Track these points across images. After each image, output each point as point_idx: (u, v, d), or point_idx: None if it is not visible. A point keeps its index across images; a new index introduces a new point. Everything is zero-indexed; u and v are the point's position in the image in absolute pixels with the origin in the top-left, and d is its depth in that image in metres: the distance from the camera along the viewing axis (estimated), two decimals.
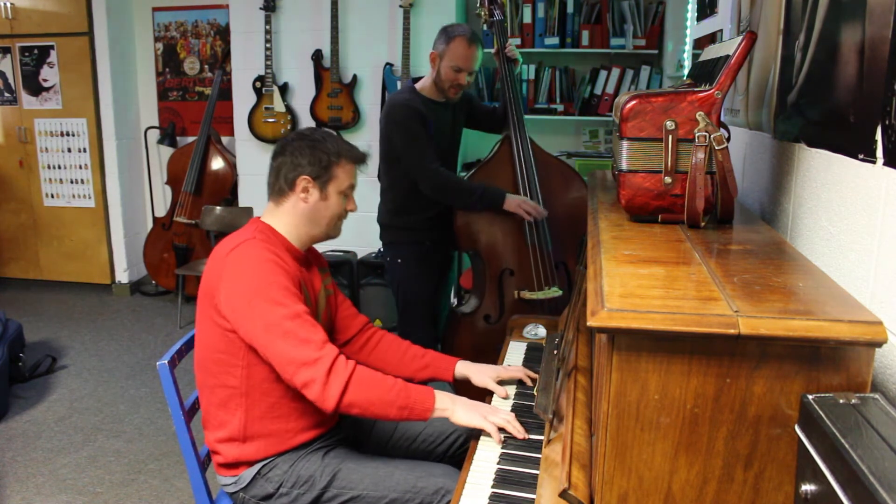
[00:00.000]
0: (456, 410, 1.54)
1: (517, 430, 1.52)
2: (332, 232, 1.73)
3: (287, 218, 1.68)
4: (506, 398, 1.72)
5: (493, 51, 2.75)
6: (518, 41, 4.10)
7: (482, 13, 2.78)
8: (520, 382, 1.81)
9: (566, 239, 2.70)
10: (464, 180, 2.63)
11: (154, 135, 4.94)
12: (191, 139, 4.72)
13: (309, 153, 1.65)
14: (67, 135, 4.79)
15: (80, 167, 4.82)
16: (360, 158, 1.72)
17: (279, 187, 1.67)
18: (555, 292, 2.63)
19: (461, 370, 1.80)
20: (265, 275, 1.51)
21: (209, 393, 1.64)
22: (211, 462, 1.81)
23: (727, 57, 1.27)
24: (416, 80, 2.67)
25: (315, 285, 1.73)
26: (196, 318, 1.65)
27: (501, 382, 1.78)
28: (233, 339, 1.55)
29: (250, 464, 1.62)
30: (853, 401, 0.79)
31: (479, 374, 1.76)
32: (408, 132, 2.46)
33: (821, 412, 0.76)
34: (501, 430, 1.53)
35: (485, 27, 2.82)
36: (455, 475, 1.59)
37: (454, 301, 3.74)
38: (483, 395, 1.74)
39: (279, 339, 1.47)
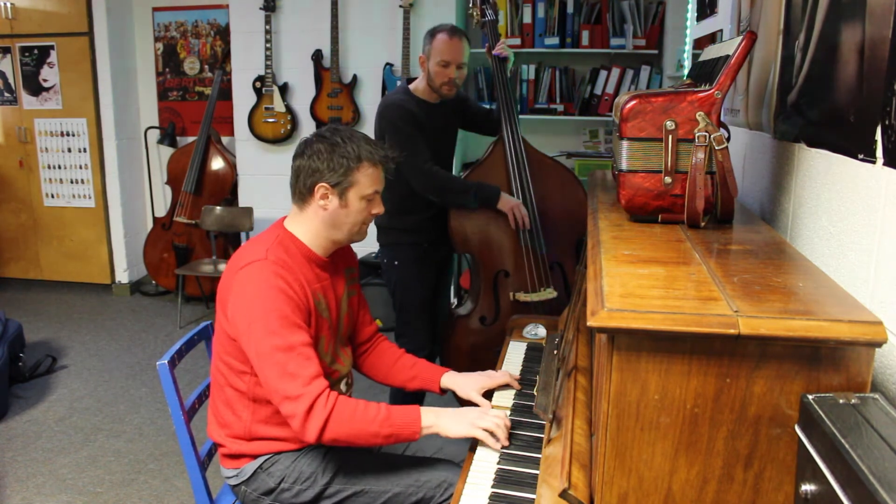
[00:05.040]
0: (442, 425, 1.51)
1: (503, 437, 1.48)
2: (356, 237, 1.66)
3: (308, 224, 1.62)
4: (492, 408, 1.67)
5: (484, 49, 2.77)
6: (518, 41, 4.10)
7: (474, 13, 2.80)
8: (520, 383, 1.80)
9: (561, 239, 2.69)
10: (458, 178, 2.63)
11: (154, 135, 4.94)
12: (191, 139, 4.72)
13: (327, 157, 1.56)
14: (67, 135, 4.79)
15: (80, 167, 4.82)
16: (383, 160, 1.61)
17: (299, 192, 1.61)
18: (549, 294, 2.62)
19: (447, 382, 1.77)
20: (267, 301, 1.49)
21: (219, 390, 1.65)
22: (210, 462, 1.81)
23: (727, 57, 1.27)
24: (411, 80, 2.67)
25: (338, 290, 1.71)
26: (215, 316, 1.65)
27: (488, 393, 1.74)
28: (239, 347, 1.55)
29: (253, 457, 1.63)
30: (853, 401, 0.79)
31: (464, 386, 1.73)
32: (401, 132, 2.46)
33: (821, 412, 0.76)
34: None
35: (476, 27, 2.84)
36: (457, 470, 1.59)
37: (454, 301, 3.74)
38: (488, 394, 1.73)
39: (267, 368, 1.47)
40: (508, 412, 1.63)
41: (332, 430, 1.45)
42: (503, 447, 1.49)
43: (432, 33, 2.52)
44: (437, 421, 1.51)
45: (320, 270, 1.65)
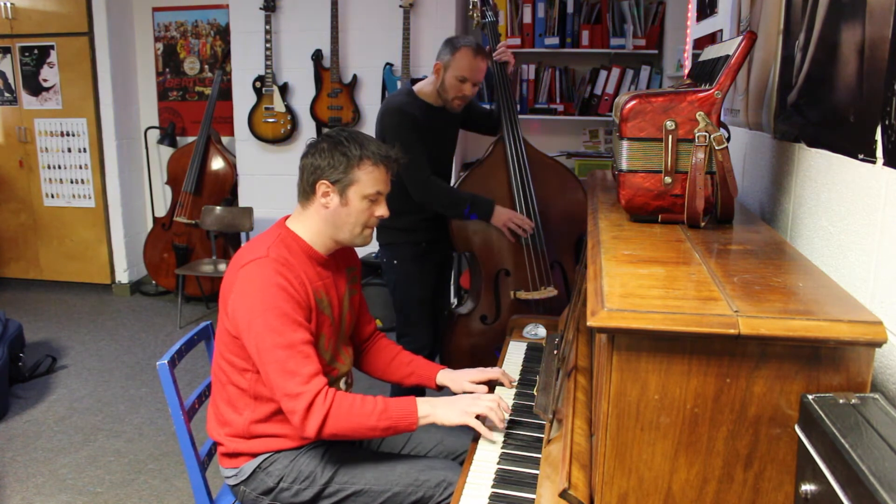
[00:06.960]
0: (437, 414, 1.54)
1: (498, 418, 1.53)
2: (358, 240, 1.65)
3: (311, 223, 1.63)
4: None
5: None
6: (518, 41, 4.10)
7: (474, 15, 2.80)
8: (520, 383, 1.81)
9: (561, 238, 2.70)
10: (454, 190, 2.63)
11: (154, 135, 4.94)
12: (191, 139, 4.72)
13: (328, 155, 1.57)
14: (67, 135, 4.79)
15: (80, 167, 4.82)
16: (386, 160, 1.61)
17: (303, 190, 1.63)
18: (550, 292, 2.63)
19: (442, 379, 1.80)
20: (268, 299, 1.50)
21: (220, 388, 1.65)
22: (210, 462, 1.81)
23: (727, 57, 1.27)
24: (415, 81, 2.66)
25: (340, 288, 1.72)
26: (217, 314, 1.66)
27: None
28: (241, 345, 1.56)
29: (252, 456, 1.63)
30: (853, 401, 0.79)
31: (457, 381, 1.76)
32: (400, 138, 2.45)
33: (821, 412, 0.76)
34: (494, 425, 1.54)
35: (476, 28, 2.83)
36: (457, 469, 1.60)
37: (454, 301, 3.74)
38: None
39: (268, 364, 1.49)
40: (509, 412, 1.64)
41: (330, 425, 1.49)
42: (504, 445, 1.49)
43: (455, 45, 2.49)
44: (432, 411, 1.54)
45: (322, 269, 1.65)
